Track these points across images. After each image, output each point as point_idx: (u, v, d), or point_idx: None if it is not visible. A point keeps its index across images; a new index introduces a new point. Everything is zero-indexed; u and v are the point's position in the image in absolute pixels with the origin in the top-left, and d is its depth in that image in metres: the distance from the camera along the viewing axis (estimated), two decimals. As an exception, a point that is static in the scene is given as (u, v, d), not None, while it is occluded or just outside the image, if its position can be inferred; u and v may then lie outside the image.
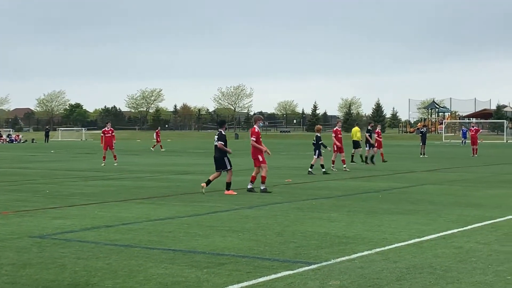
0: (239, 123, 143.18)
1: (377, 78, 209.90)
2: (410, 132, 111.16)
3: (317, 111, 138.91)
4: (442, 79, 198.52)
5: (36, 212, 13.25)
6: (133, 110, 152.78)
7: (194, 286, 7.06)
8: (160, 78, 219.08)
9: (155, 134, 53.57)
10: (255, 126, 17.88)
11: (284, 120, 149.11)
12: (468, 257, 8.52)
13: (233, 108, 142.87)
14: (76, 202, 14.95)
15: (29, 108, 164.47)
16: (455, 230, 10.68)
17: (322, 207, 13.98)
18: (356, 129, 32.16)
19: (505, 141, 78.97)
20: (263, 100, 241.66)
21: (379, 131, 32.71)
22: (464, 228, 10.90)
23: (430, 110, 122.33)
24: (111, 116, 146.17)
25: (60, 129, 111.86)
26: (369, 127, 32.31)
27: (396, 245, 9.36)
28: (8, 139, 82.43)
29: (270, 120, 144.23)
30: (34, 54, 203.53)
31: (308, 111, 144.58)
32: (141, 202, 15.02)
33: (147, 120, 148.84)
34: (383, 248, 9.08)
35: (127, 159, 35.89)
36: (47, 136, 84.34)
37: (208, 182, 16.95)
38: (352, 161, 30.44)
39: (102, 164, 29.72)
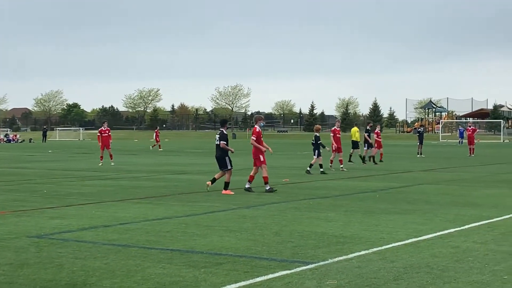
0: (236, 123, 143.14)
1: (374, 78, 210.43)
2: (407, 132, 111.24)
3: (315, 111, 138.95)
4: (439, 79, 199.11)
5: (33, 212, 13.24)
6: (130, 110, 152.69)
7: (192, 285, 7.07)
8: (158, 78, 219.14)
9: (154, 134, 53.65)
10: (256, 126, 17.88)
11: (282, 120, 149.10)
12: (465, 256, 8.55)
13: (230, 108, 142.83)
14: (74, 202, 14.95)
15: (26, 108, 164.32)
16: (452, 230, 10.70)
17: (320, 206, 14.00)
18: (355, 129, 32.22)
19: (501, 141, 79.06)
20: (261, 100, 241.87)
21: (379, 131, 32.75)
22: (461, 228, 10.93)
23: (427, 110, 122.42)
24: (109, 116, 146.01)
25: (58, 129, 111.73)
26: (368, 127, 32.31)
27: (393, 244, 9.38)
28: (5, 139, 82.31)
29: (267, 120, 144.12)
30: (33, 54, 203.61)
31: (306, 111, 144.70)
32: (139, 202, 15.02)
33: (145, 120, 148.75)
34: (380, 248, 9.10)
35: (124, 159, 35.87)
36: (44, 136, 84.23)
37: (213, 181, 17.02)
38: (349, 161, 30.47)
39: (100, 164, 29.71)
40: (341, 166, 26.23)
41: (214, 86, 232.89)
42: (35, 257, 8.58)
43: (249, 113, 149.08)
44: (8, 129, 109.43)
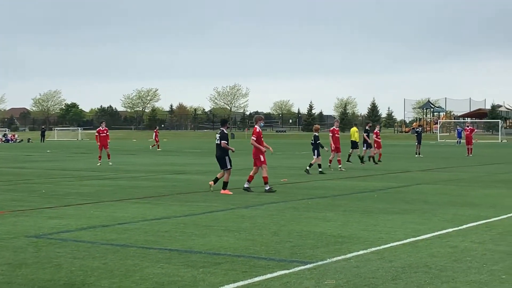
0: (235, 123, 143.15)
1: (373, 78, 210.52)
2: (405, 132, 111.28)
3: (313, 111, 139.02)
4: (437, 79, 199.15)
5: (32, 211, 13.24)
6: (129, 110, 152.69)
7: (190, 285, 7.08)
8: (156, 78, 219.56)
9: (154, 134, 53.66)
10: (256, 126, 17.89)
11: (280, 120, 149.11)
12: (463, 256, 8.56)
13: (229, 108, 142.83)
14: (72, 202, 14.95)
15: (25, 108, 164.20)
16: (450, 230, 10.72)
17: (318, 206, 14.01)
18: (354, 129, 32.31)
19: (499, 140, 79.12)
20: (259, 100, 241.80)
21: (378, 131, 32.78)
22: (459, 228, 10.94)
23: (425, 110, 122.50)
24: (107, 115, 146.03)
25: (56, 129, 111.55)
26: (367, 127, 32.31)
27: (391, 244, 9.39)
28: (4, 139, 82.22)
29: (266, 120, 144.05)
30: (32, 53, 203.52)
31: (304, 111, 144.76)
32: (137, 202, 15.02)
33: (143, 120, 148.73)
34: (378, 248, 9.11)
35: (123, 159, 35.87)
36: (43, 135, 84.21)
37: (216, 180, 17.05)
38: (348, 161, 30.48)
39: (98, 164, 29.71)
40: (339, 166, 26.24)
41: (213, 86, 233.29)
42: (33, 257, 8.58)
43: (247, 113, 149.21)
44: (7, 129, 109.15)
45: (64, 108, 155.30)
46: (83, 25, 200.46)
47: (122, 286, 7.07)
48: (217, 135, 17.28)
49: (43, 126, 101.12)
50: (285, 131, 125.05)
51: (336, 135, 26.75)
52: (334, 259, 8.36)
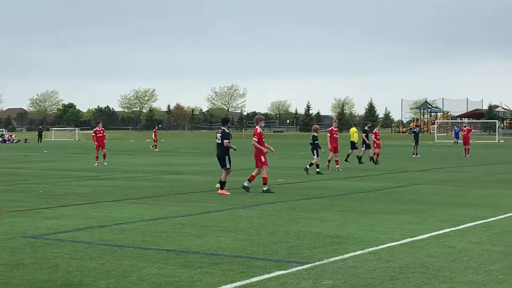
0: (232, 123, 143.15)
1: (370, 78, 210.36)
2: (402, 132, 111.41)
3: (310, 111, 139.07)
4: (434, 79, 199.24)
5: (29, 212, 13.22)
6: (126, 110, 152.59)
7: (187, 286, 7.07)
8: (154, 78, 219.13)
9: (153, 133, 53.65)
10: (257, 126, 17.88)
11: (278, 120, 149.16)
12: (460, 256, 8.57)
13: (226, 108, 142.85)
14: (69, 202, 14.93)
15: (22, 108, 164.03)
16: (448, 230, 10.73)
17: (315, 207, 14.01)
18: (353, 129, 32.39)
19: (497, 141, 79.24)
20: (257, 100, 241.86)
21: (377, 131, 32.81)
22: (457, 228, 10.95)
23: (422, 110, 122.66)
24: (105, 116, 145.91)
25: (53, 129, 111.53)
26: (366, 128, 32.31)
27: (388, 244, 9.40)
28: (1, 139, 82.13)
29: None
30: (29, 54, 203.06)
31: (301, 111, 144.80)
32: (134, 202, 15.01)
33: (141, 120, 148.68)
34: (376, 248, 9.12)
35: (120, 159, 35.85)
36: (40, 136, 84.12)
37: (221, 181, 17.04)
38: (346, 160, 30.51)
39: (95, 164, 29.71)
40: (337, 166, 26.25)
41: (210, 86, 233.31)
42: (30, 257, 8.57)
43: (245, 113, 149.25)
44: (4, 129, 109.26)
45: (61, 108, 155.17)
46: (80, 25, 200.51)
47: (119, 286, 7.06)
48: (218, 134, 17.27)
49: (40, 127, 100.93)
50: (282, 131, 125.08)
51: (335, 135, 26.75)
52: (332, 259, 8.36)
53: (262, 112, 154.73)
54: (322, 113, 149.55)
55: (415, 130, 42.00)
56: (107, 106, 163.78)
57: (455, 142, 67.95)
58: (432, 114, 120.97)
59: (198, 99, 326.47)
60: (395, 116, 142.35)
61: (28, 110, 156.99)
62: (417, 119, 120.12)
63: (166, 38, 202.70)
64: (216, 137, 17.26)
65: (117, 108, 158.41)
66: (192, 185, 19.36)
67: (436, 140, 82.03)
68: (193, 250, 9.03)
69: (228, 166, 16.98)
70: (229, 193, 16.54)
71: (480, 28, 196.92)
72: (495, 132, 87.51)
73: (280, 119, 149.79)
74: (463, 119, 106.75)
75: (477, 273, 7.64)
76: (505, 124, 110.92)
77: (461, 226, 11.14)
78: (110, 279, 7.33)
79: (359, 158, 30.55)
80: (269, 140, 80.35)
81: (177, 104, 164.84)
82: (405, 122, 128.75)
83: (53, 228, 11.06)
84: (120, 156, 40.42)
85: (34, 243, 9.59)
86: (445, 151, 48.91)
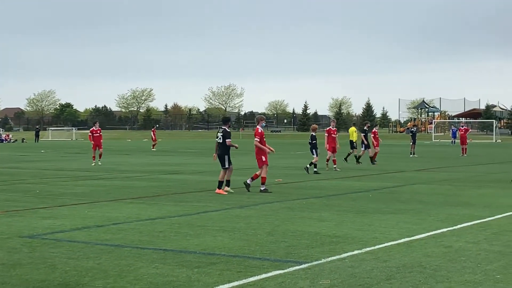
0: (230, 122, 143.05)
1: (367, 78, 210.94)
2: (400, 132, 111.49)
3: (308, 111, 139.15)
4: (431, 79, 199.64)
5: (26, 212, 13.21)
6: (123, 110, 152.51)
7: (185, 285, 7.07)
8: (151, 78, 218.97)
9: (152, 133, 53.58)
10: (258, 126, 17.88)
11: (275, 120, 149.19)
12: (458, 256, 8.58)
13: (224, 108, 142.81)
14: (67, 202, 14.92)
15: (19, 108, 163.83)
16: (445, 230, 10.73)
17: (313, 206, 14.01)
18: (352, 129, 32.44)
19: (494, 140, 79.33)
20: (254, 100, 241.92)
21: (376, 130, 32.85)
22: (454, 228, 10.96)
23: (420, 110, 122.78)
24: (102, 115, 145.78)
25: (51, 129, 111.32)
26: (365, 128, 32.31)
27: (386, 244, 9.40)
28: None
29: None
30: (26, 53, 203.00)
31: (299, 111, 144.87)
32: (132, 202, 15.00)
33: (138, 120, 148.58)
34: (373, 248, 9.12)
35: (117, 159, 35.82)
36: (37, 135, 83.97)
37: (227, 183, 16.99)
38: (345, 159, 30.53)
39: (92, 164, 29.68)
40: (335, 166, 26.26)
41: (208, 86, 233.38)
42: (27, 257, 8.56)
43: (242, 113, 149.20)
44: (1, 129, 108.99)
45: (58, 108, 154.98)
46: (77, 25, 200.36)
47: (117, 286, 7.05)
48: (219, 134, 17.25)
49: (37, 126, 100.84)
50: (280, 131, 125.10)
51: (333, 135, 26.73)
52: (329, 259, 8.36)
53: (260, 112, 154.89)
54: (319, 113, 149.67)
55: (412, 129, 42.01)
56: (105, 106, 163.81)
57: (452, 141, 68.00)
58: (430, 113, 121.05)
59: (195, 99, 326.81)
60: (393, 116, 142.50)
61: (25, 110, 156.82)
62: (415, 119, 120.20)
63: (163, 38, 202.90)
64: (217, 137, 17.25)
65: (114, 107, 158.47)
66: (190, 184, 19.36)
67: (433, 140, 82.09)
68: (190, 249, 9.03)
69: (226, 166, 16.96)
70: (226, 193, 16.54)
71: (478, 28, 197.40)
72: (492, 131, 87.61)
73: (277, 119, 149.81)
74: (461, 118, 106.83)
75: (474, 272, 7.64)
76: (502, 123, 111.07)
77: (458, 226, 11.15)
78: (107, 279, 7.33)
79: (358, 157, 30.55)
80: (267, 139, 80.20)
81: (174, 104, 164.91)
82: (402, 122, 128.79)
83: (50, 228, 11.05)
84: (117, 156, 40.38)
85: (31, 243, 9.58)
86: (442, 151, 48.94)
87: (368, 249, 9.03)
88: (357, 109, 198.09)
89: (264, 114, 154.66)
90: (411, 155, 38.38)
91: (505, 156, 39.81)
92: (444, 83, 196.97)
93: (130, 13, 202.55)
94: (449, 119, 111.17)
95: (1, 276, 7.50)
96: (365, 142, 30.74)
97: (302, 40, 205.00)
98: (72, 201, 15.06)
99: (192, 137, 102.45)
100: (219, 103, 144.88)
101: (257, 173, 17.42)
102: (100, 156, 30.67)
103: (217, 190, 16.69)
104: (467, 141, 41.70)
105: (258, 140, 17.46)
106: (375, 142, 31.51)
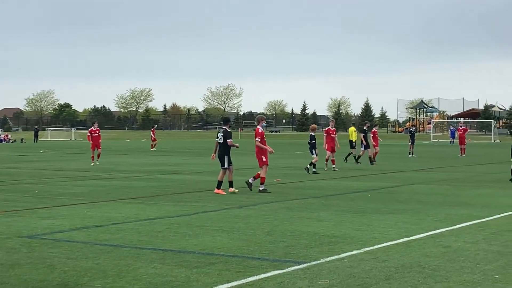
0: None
1: (366, 78, 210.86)
2: (398, 132, 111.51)
3: (307, 111, 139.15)
4: (430, 79, 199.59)
5: (25, 212, 13.21)
6: (122, 110, 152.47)
7: (184, 285, 7.07)
8: (150, 78, 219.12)
9: (151, 133, 53.52)
10: (258, 126, 17.90)
11: (274, 120, 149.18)
12: (456, 256, 8.59)
13: (222, 108, 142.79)
14: (66, 202, 14.92)
15: (18, 108, 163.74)
16: (443, 229, 10.74)
17: (312, 206, 14.02)
18: (352, 129, 32.45)
19: (492, 140, 79.35)
20: (254, 100, 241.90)
21: (375, 130, 32.88)
22: (452, 227, 10.97)
23: (418, 110, 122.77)
24: (101, 116, 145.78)
25: (49, 129, 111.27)
26: (364, 128, 32.30)
27: (384, 244, 9.41)
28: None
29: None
30: (25, 53, 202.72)
31: (298, 111, 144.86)
32: (131, 202, 15.00)
33: (137, 120, 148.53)
34: (372, 247, 9.13)
35: (116, 159, 35.81)
36: (36, 136, 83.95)
37: (230, 184, 16.98)
38: (345, 159, 30.54)
39: (91, 164, 29.68)
40: (333, 166, 26.26)
41: (206, 86, 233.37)
42: (26, 257, 8.56)
43: (241, 113, 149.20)
44: (0, 129, 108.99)
45: (57, 108, 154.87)
46: (76, 25, 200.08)
47: (115, 286, 7.06)
48: (219, 134, 17.26)
49: (36, 126, 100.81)
50: (278, 131, 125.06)
51: (332, 135, 26.73)
52: (328, 259, 8.37)
53: (258, 112, 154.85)
54: (318, 113, 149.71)
55: (411, 129, 42.02)
56: (103, 106, 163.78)
57: (451, 141, 68.03)
58: (428, 113, 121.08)
59: (194, 99, 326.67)
60: (391, 116, 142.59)
61: (24, 110, 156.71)
62: (413, 119, 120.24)
63: (162, 38, 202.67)
64: (217, 137, 17.26)
65: (113, 108, 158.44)
66: (188, 185, 19.36)
67: (432, 140, 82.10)
68: (189, 250, 9.03)
69: (226, 166, 16.97)
70: (225, 193, 16.54)
71: (477, 28, 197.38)
72: (491, 131, 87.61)
73: (276, 119, 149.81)
74: (459, 118, 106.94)
75: (473, 272, 7.65)
76: (500, 123, 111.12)
77: (457, 226, 11.16)
78: (106, 279, 7.33)
79: (357, 157, 30.56)
80: (266, 140, 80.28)
81: (173, 104, 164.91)
82: (401, 122, 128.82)
83: (49, 228, 11.05)
84: (116, 156, 40.37)
85: (30, 243, 9.58)
86: (441, 151, 48.96)
87: (366, 249, 9.04)
88: (356, 109, 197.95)
89: (263, 114, 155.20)
90: (409, 155, 38.40)
91: (503, 156, 39.78)
92: (443, 83, 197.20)
93: (130, 13, 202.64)
94: (447, 119, 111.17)
95: (0, 276, 7.50)
96: (365, 142, 30.74)
97: (302, 40, 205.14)
98: (71, 201, 15.06)
99: (191, 137, 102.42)
100: (218, 103, 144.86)
101: (259, 172, 17.45)
102: (98, 156, 30.68)
103: (216, 190, 16.69)
104: (466, 141, 41.76)
105: (259, 140, 17.50)
106: (374, 142, 31.53)
